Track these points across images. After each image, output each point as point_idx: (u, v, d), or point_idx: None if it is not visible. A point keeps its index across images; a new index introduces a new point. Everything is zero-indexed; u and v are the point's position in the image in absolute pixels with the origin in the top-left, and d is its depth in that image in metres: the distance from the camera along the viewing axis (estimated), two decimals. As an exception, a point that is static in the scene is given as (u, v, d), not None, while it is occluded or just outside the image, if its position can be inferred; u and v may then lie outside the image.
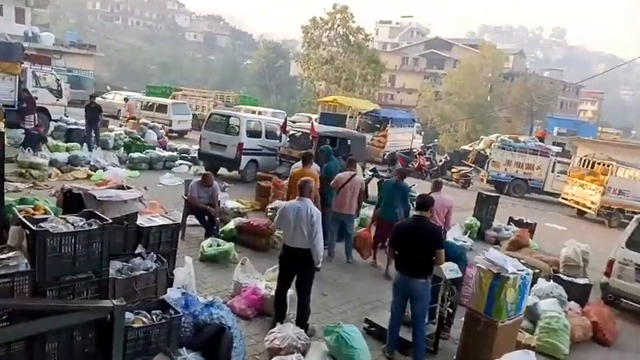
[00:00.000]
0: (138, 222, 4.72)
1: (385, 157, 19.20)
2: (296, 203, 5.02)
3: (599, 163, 18.30)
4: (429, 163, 20.96)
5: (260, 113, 24.06)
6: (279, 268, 5.23)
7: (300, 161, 7.74)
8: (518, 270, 5.09)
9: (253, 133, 13.38)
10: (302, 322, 5.07)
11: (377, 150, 21.30)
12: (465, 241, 9.75)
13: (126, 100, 21.67)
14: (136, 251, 4.60)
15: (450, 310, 5.51)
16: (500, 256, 5.21)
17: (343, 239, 8.22)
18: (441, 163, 22.09)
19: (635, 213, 11.90)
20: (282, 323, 4.91)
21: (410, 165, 19.87)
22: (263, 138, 13.54)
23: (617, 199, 16.95)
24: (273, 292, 5.37)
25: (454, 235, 9.83)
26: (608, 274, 8.15)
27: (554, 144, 25.08)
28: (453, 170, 21.34)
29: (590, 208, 17.27)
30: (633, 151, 24.88)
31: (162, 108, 21.75)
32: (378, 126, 22.95)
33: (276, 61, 68.22)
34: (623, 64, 65.51)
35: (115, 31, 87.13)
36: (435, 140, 36.70)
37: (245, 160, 13.05)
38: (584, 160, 19.16)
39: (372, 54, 44.96)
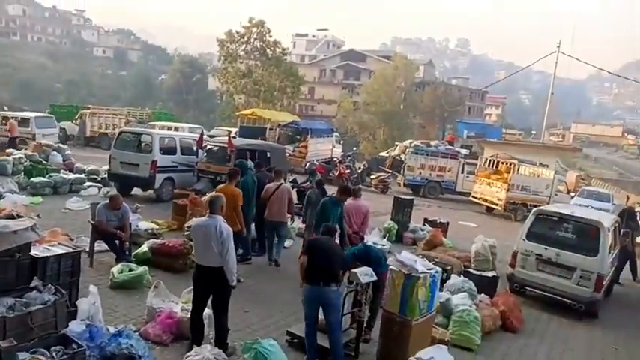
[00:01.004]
0: (32, 252, 4.39)
1: (306, 168, 19.40)
2: (206, 220, 4.90)
3: (502, 163, 19.77)
4: (349, 171, 21.46)
5: (176, 129, 23.37)
6: (193, 288, 5.08)
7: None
8: (427, 269, 5.33)
9: (168, 150, 12.93)
10: (221, 342, 4.95)
11: (298, 161, 21.47)
12: (383, 245, 10.06)
13: (6, 119, 20.11)
14: (32, 284, 4.27)
15: (370, 314, 5.63)
16: (410, 256, 5.43)
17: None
18: (360, 171, 22.74)
19: (536, 206, 12.95)
20: (199, 345, 4.75)
21: (331, 174, 20.23)
22: (178, 154, 13.13)
23: (520, 195, 18.36)
24: (189, 314, 5.19)
25: (373, 239, 10.14)
26: (512, 265, 8.77)
27: (462, 147, 26.73)
28: (372, 177, 22.05)
29: (497, 205, 18.56)
30: (533, 150, 27.18)
31: (24, 122, 20.34)
32: (299, 137, 23.19)
33: (192, 75, 66.75)
34: (521, 70, 71.48)
35: (12, 48, 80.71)
36: (355, 149, 37.72)
37: (160, 178, 12.56)
38: (490, 161, 20.61)
39: (290, 67, 45.48)
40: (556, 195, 19.75)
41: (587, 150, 73.51)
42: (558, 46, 30.29)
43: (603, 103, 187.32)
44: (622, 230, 10.37)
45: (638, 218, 13.14)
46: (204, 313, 5.08)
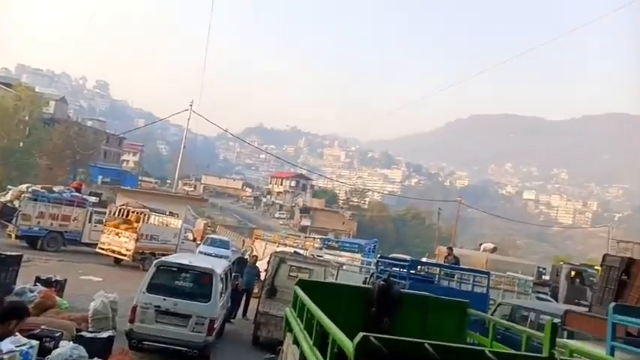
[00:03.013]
0: None
1: None
2: None
3: (133, 212, 19.52)
4: None
5: None
6: None
7: None
8: (16, 346, 4.42)
9: None
10: None
11: None
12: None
13: None
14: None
15: None
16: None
17: None
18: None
19: (165, 255, 13.19)
20: None
21: None
22: None
23: (150, 244, 18.50)
24: None
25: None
26: (132, 320, 8.45)
27: (91, 194, 25.14)
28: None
29: (125, 255, 18.05)
30: (167, 199, 28.15)
31: None
32: None
33: None
34: (159, 121, 74.27)
35: None
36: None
37: None
38: (120, 209, 20.03)
39: None
40: (183, 243, 20.86)
41: (215, 200, 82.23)
42: (191, 105, 33.11)
43: (228, 159, 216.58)
44: (233, 274, 11.75)
45: (248, 262, 15.18)
46: None
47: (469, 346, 1.94)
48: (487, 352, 1.79)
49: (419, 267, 14.08)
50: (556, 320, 5.58)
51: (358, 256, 26.21)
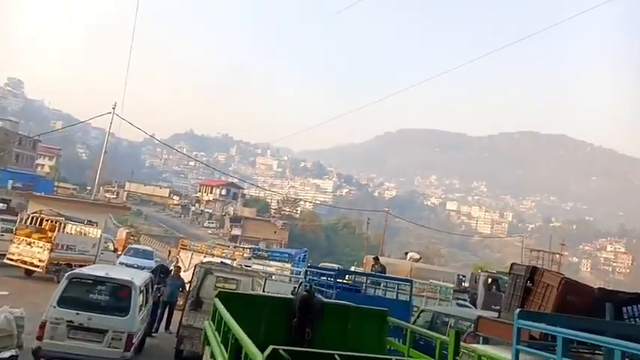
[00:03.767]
0: None
1: None
2: None
3: (47, 220, 18.21)
4: None
5: None
6: None
7: None
8: None
9: None
10: None
11: None
12: None
13: None
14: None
15: None
16: None
17: None
18: None
19: (83, 266, 12.40)
20: None
21: None
22: None
23: (66, 255, 17.34)
24: None
25: None
26: (40, 337, 7.87)
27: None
28: None
29: (38, 266, 16.78)
30: (85, 207, 26.54)
31: None
32: None
33: None
34: (78, 123, 70.17)
35: None
36: None
37: None
38: (33, 217, 18.61)
39: None
40: (103, 254, 19.72)
41: (139, 208, 78.81)
42: (114, 108, 31.50)
43: (155, 165, 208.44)
44: (155, 285, 11.27)
45: (172, 273, 14.63)
46: None
47: (379, 356, 2.01)
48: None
49: (347, 276, 14.29)
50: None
51: (288, 265, 26.20)
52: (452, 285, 21.63)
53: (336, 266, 22.90)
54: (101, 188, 50.29)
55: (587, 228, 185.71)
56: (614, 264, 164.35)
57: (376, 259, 18.71)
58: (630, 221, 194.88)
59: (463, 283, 26.28)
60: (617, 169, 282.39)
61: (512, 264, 6.55)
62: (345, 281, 13.35)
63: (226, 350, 2.59)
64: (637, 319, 5.67)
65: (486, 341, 6.26)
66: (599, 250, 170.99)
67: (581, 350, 5.12)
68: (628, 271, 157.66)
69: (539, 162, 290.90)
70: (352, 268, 27.90)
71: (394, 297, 12.42)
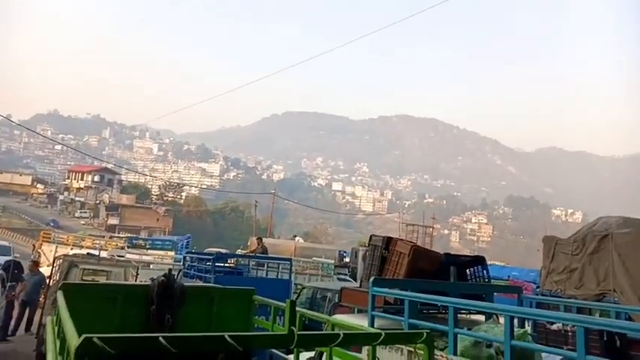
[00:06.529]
0: None
1: None
2: None
3: None
4: None
5: None
6: None
7: None
8: None
9: None
10: None
11: None
12: None
13: None
14: None
15: None
16: None
17: None
18: None
19: None
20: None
21: None
22: None
23: None
24: None
25: None
26: None
27: None
28: None
29: None
30: None
31: None
32: None
33: None
34: None
35: None
36: None
37: None
38: None
39: None
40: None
41: (-4, 198, 69.78)
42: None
43: (14, 150, 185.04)
44: (8, 284, 10.09)
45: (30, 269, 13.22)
46: None
47: (209, 334, 1.98)
48: (226, 337, 1.84)
49: (228, 259, 14.14)
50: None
51: (171, 253, 25.36)
52: (332, 261, 22.57)
53: (224, 251, 22.60)
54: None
55: (456, 203, 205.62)
56: (478, 234, 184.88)
57: (259, 240, 18.77)
58: (490, 195, 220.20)
59: (345, 259, 27.57)
60: (479, 149, 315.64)
61: (371, 235, 7.00)
62: (228, 265, 13.21)
63: (62, 345, 2.40)
64: (477, 279, 6.43)
65: (361, 312, 6.64)
66: (466, 222, 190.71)
67: (431, 311, 5.65)
68: (489, 239, 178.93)
69: (413, 143, 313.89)
70: (238, 252, 27.75)
71: (276, 276, 12.60)
